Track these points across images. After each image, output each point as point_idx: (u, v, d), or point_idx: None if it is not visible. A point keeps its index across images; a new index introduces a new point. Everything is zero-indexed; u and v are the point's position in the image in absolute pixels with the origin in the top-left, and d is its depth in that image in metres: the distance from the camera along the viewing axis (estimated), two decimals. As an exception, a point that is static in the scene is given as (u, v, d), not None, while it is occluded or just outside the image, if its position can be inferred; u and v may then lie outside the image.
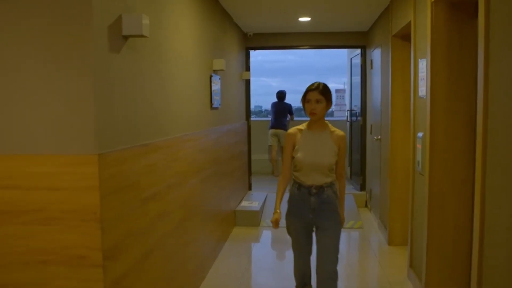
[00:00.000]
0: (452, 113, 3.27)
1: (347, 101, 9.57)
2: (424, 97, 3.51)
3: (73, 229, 2.09)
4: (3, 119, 2.10)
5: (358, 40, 6.96)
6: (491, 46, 2.26)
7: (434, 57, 3.29)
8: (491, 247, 2.25)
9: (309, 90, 2.98)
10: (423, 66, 3.55)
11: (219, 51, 4.92)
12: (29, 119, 2.09)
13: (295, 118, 8.90)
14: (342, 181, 3.13)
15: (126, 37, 2.39)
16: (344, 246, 5.17)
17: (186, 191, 3.50)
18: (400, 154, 4.80)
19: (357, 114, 7.36)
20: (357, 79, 7.42)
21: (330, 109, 3.10)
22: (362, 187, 7.12)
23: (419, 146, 3.65)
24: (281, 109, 8.65)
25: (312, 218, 3.00)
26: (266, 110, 14.55)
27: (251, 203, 6.22)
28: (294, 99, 9.37)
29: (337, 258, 2.98)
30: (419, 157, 3.65)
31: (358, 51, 7.21)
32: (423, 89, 3.56)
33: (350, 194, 6.71)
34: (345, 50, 9.22)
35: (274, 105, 8.71)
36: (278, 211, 3.02)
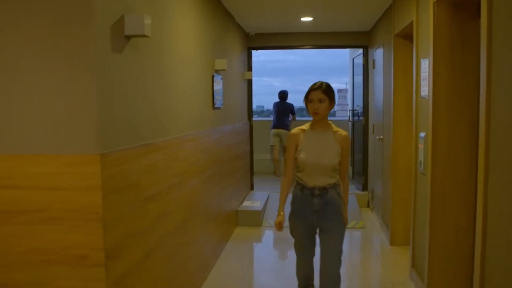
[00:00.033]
0: (455, 113, 3.26)
1: (349, 101, 9.57)
2: (426, 97, 3.50)
3: (75, 229, 2.09)
4: (5, 119, 2.10)
5: (360, 40, 6.96)
6: (493, 46, 2.26)
7: (436, 57, 3.28)
8: (494, 247, 2.25)
9: (311, 89, 2.93)
10: (425, 66, 3.54)
11: (221, 51, 4.92)
12: (31, 119, 2.09)
13: (297, 118, 8.89)
14: (345, 182, 3.08)
15: (128, 37, 2.39)
16: (346, 246, 5.16)
17: (188, 191, 3.50)
18: (402, 154, 4.79)
19: (359, 114, 7.35)
20: (359, 79, 7.42)
21: (333, 109, 3.06)
22: (364, 187, 7.11)
23: (421, 146, 3.65)
24: (283, 109, 8.65)
25: (315, 219, 2.96)
26: (268, 110, 14.53)
27: (253, 203, 6.22)
28: (296, 99, 9.39)
29: (340, 261, 2.96)
30: (421, 157, 3.65)
31: (360, 51, 7.21)
32: (425, 89, 3.56)
33: (352, 194, 6.70)
34: (347, 50, 9.22)
35: (276, 105, 8.71)
36: (281, 213, 3.00)
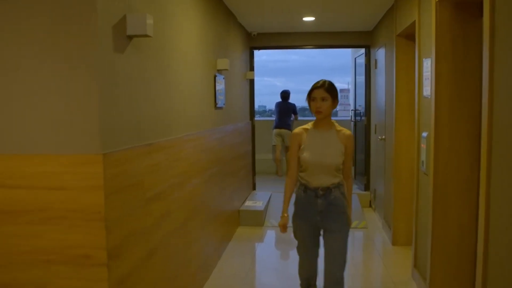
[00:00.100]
0: (457, 113, 3.25)
1: (351, 101, 9.56)
2: (429, 97, 3.50)
3: (77, 229, 2.09)
4: (6, 119, 2.11)
5: (362, 39, 6.95)
6: (496, 45, 2.25)
7: (438, 57, 3.28)
8: (496, 247, 2.24)
9: (314, 87, 2.89)
10: (428, 66, 3.54)
11: (223, 51, 4.92)
12: (33, 119, 2.09)
13: (299, 118, 8.90)
14: (349, 182, 3.04)
15: (130, 37, 2.40)
16: (349, 246, 5.15)
17: (190, 191, 3.51)
18: (404, 154, 4.79)
19: (361, 114, 7.34)
20: (361, 78, 7.41)
21: (335, 109, 3.03)
22: (366, 187, 7.11)
23: (423, 146, 3.64)
24: (285, 109, 8.65)
25: (319, 220, 2.92)
26: (270, 110, 14.54)
27: (255, 202, 6.22)
28: (298, 99, 9.38)
29: (345, 262, 2.93)
30: (423, 157, 3.64)
31: (362, 50, 7.20)
32: (427, 88, 3.55)
33: (354, 194, 6.67)
34: (349, 50, 9.23)
35: (278, 105, 8.71)
36: (285, 214, 2.97)
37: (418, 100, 3.88)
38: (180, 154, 3.26)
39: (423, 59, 3.72)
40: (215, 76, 4.44)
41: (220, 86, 4.64)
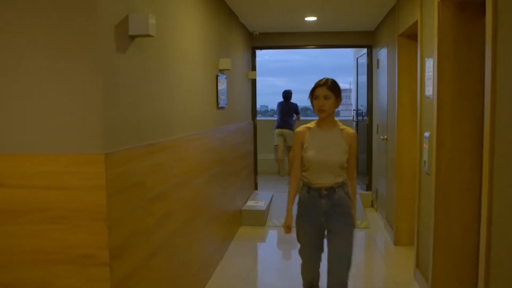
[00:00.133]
0: (459, 113, 3.25)
1: (353, 101, 9.54)
2: (431, 97, 3.49)
3: (80, 228, 2.10)
4: (7, 119, 2.11)
5: (364, 39, 6.94)
6: (498, 45, 2.25)
7: (441, 57, 3.27)
8: (498, 247, 2.24)
9: (317, 86, 2.86)
10: (430, 66, 3.53)
11: (225, 51, 4.93)
12: (34, 119, 2.09)
13: (301, 118, 8.89)
14: (353, 181, 3.00)
15: (132, 37, 2.40)
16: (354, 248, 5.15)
17: (192, 190, 3.51)
18: (406, 154, 4.78)
19: (363, 114, 7.34)
20: (363, 78, 7.40)
21: (337, 108, 3.00)
22: (368, 187, 7.10)
23: (425, 145, 3.64)
24: (287, 109, 8.64)
25: (323, 221, 2.88)
26: (272, 110, 14.55)
27: (257, 202, 6.22)
28: (300, 99, 9.35)
29: (350, 263, 2.88)
30: (425, 157, 3.64)
31: (364, 50, 7.19)
32: (429, 88, 3.55)
33: (356, 193, 6.69)
34: (351, 50, 9.20)
35: (280, 104, 8.70)
36: (290, 215, 2.95)
37: (420, 100, 3.87)
38: (182, 154, 3.26)
39: (425, 59, 3.72)
40: (217, 76, 4.44)
41: (222, 86, 4.65)
